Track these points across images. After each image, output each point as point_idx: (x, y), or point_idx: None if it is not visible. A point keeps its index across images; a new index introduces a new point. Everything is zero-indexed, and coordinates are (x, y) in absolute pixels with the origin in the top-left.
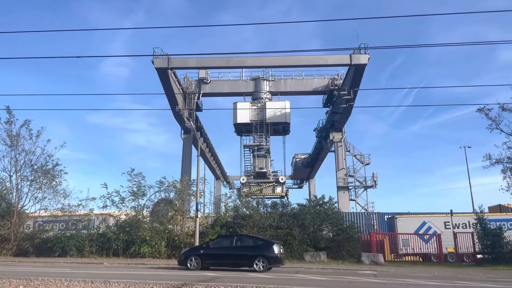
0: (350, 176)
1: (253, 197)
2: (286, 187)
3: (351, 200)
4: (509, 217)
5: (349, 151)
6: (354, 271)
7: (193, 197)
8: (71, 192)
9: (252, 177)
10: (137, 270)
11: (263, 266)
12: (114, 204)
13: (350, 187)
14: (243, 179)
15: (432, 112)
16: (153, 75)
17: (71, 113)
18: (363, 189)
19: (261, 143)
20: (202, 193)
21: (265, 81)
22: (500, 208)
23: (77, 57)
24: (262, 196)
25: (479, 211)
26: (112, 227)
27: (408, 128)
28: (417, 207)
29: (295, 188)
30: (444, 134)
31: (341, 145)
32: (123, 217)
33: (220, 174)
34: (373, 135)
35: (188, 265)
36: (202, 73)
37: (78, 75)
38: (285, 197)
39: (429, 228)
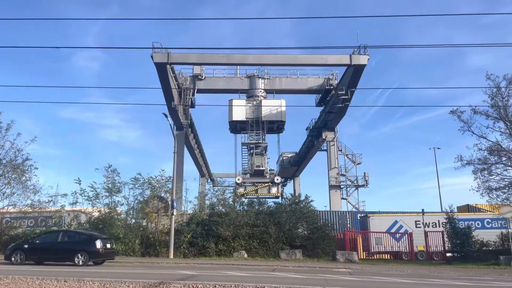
0: (342, 175)
1: (248, 197)
2: (281, 187)
3: (342, 198)
4: (477, 217)
5: (341, 150)
6: (329, 269)
7: (169, 194)
8: (41, 188)
9: (248, 175)
10: (111, 269)
11: (83, 261)
12: (89, 200)
13: (342, 186)
14: (239, 179)
15: (403, 114)
16: (126, 69)
17: (40, 107)
18: (355, 188)
19: (259, 141)
20: (178, 191)
21: (260, 79)
22: (468, 208)
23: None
24: (257, 197)
25: (449, 210)
26: (84, 224)
27: (380, 129)
28: (388, 206)
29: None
30: (414, 135)
31: (334, 144)
32: (95, 214)
33: (205, 172)
34: (347, 135)
35: (13, 259)
36: (197, 69)
37: (50, 68)
38: (280, 198)
39: (401, 227)
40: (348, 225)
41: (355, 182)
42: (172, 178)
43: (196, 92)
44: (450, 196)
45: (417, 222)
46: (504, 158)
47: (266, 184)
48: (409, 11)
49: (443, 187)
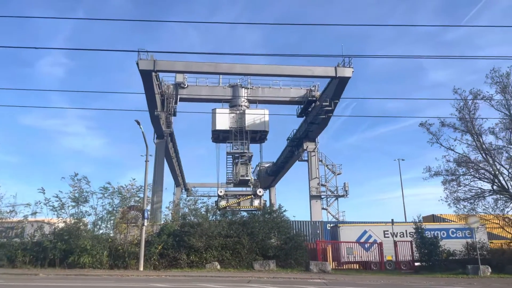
0: (322, 185)
1: (230, 210)
2: (264, 200)
3: (323, 209)
4: (442, 227)
5: (321, 161)
6: (304, 279)
7: (140, 203)
8: (1, 197)
9: (232, 184)
10: (76, 282)
11: None
12: (54, 210)
13: (322, 196)
14: (221, 192)
15: (367, 126)
16: (93, 76)
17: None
18: (335, 198)
19: (244, 151)
20: (158, 200)
21: (243, 88)
22: (433, 218)
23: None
24: (239, 209)
25: (417, 221)
26: (49, 235)
27: (345, 140)
28: (355, 216)
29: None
30: (378, 146)
31: (315, 155)
32: (61, 224)
33: (181, 181)
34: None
35: None
36: (180, 77)
37: (13, 72)
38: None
39: (370, 236)
40: (319, 235)
41: (335, 192)
42: (143, 188)
43: (179, 101)
44: (414, 206)
45: (386, 232)
46: (471, 170)
47: (248, 197)
48: (372, 29)
49: (406, 197)
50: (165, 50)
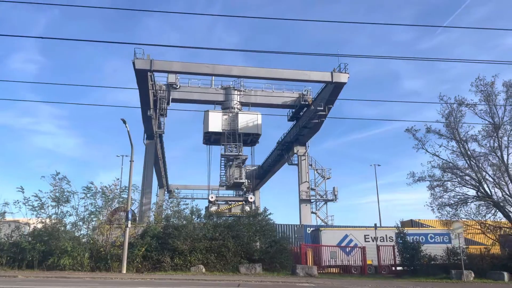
0: (311, 189)
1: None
2: (254, 206)
3: (312, 213)
4: (422, 232)
5: (311, 165)
6: (292, 283)
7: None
8: None
9: (224, 187)
10: (61, 285)
11: None
12: (33, 210)
13: (312, 200)
14: (212, 197)
15: (342, 132)
16: (66, 74)
17: None
18: (324, 202)
19: (239, 153)
20: (133, 201)
21: (236, 91)
22: (412, 223)
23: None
24: (230, 215)
25: (399, 226)
26: (27, 236)
27: (320, 145)
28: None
29: (225, 196)
30: (352, 152)
31: (305, 159)
32: (38, 225)
33: (164, 183)
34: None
35: None
36: (172, 78)
37: None
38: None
39: (351, 240)
40: (303, 239)
41: (324, 197)
42: (127, 188)
43: (171, 101)
44: (388, 211)
45: (366, 236)
46: (456, 176)
47: (240, 203)
48: (348, 36)
49: (381, 203)
50: (160, 43)
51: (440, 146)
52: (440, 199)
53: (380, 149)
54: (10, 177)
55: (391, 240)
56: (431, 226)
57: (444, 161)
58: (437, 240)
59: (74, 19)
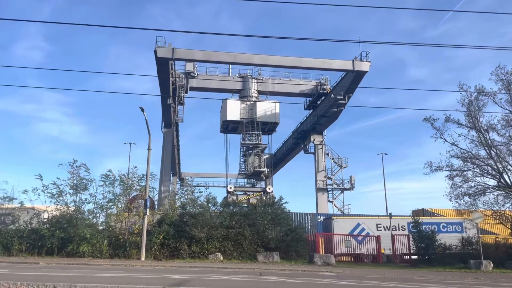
0: (328, 178)
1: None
2: (273, 195)
3: (329, 201)
4: (434, 221)
5: (327, 154)
6: (312, 272)
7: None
8: None
9: (244, 175)
10: (84, 272)
11: None
12: (52, 197)
13: (328, 189)
14: (230, 188)
15: (346, 121)
16: (71, 61)
17: None
18: (340, 191)
19: (259, 142)
20: (151, 189)
21: (253, 79)
22: (423, 212)
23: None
24: (246, 205)
25: (410, 215)
26: (46, 223)
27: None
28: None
29: (242, 186)
30: (357, 141)
31: (321, 148)
32: (56, 212)
33: (177, 171)
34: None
35: None
36: (190, 66)
37: None
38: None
39: (363, 229)
40: (306, 227)
41: (341, 186)
42: (145, 176)
43: (189, 90)
44: (391, 200)
45: (378, 225)
46: (475, 166)
47: (258, 193)
48: (355, 24)
49: (382, 191)
50: (182, 30)
51: (459, 136)
52: (459, 189)
53: (383, 138)
54: (15, 164)
55: (403, 229)
56: (443, 215)
57: (463, 150)
58: (450, 229)
59: (77, 5)
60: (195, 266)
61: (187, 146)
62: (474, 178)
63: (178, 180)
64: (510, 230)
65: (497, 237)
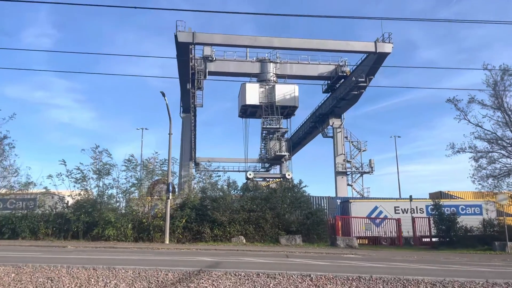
0: (347, 161)
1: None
2: (292, 180)
3: (348, 185)
4: (452, 203)
5: (346, 137)
6: (337, 254)
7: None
8: (18, 168)
9: (265, 160)
10: (115, 255)
11: None
12: (77, 182)
13: (348, 173)
14: (250, 174)
15: (359, 104)
16: (81, 48)
17: None
18: (359, 175)
19: (280, 126)
20: (185, 175)
21: (271, 63)
22: (441, 195)
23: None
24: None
25: (428, 198)
26: (71, 207)
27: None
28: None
29: (262, 171)
30: (365, 124)
31: (340, 131)
32: (78, 197)
33: (193, 156)
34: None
35: None
36: (207, 51)
37: None
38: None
39: (381, 212)
40: (325, 211)
41: (360, 169)
42: (167, 161)
43: (208, 74)
44: (402, 183)
45: (396, 208)
46: (500, 147)
47: (277, 180)
48: (364, 6)
49: (390, 175)
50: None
51: (483, 117)
52: (484, 171)
53: (395, 120)
54: (29, 150)
55: (421, 212)
56: (461, 198)
57: (487, 132)
58: (468, 211)
59: None
60: (220, 249)
61: (201, 132)
62: (500, 160)
63: (193, 165)
64: None
65: None
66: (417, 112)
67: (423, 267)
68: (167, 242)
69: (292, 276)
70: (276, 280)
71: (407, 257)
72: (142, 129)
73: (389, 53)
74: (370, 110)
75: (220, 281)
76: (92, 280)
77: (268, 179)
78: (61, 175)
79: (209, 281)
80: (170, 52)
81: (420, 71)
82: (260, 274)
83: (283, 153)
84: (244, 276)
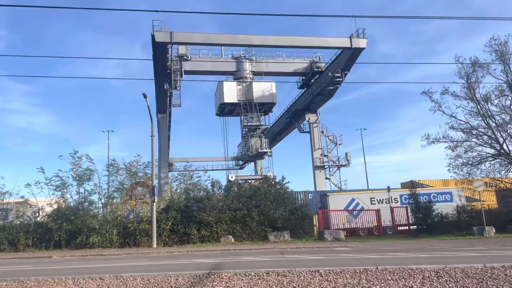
0: (324, 155)
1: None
2: (274, 177)
3: (326, 178)
4: (426, 192)
5: (322, 132)
6: (329, 248)
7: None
8: None
9: (246, 157)
10: (107, 262)
11: None
12: (57, 189)
13: (325, 166)
14: (232, 177)
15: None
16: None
17: None
18: (336, 168)
19: (260, 123)
20: (164, 177)
21: (247, 60)
22: (412, 184)
23: None
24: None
25: (399, 188)
26: (51, 216)
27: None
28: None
29: (236, 169)
30: (331, 118)
31: (317, 126)
32: (60, 205)
33: (167, 157)
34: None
35: None
36: (182, 50)
37: None
38: None
39: (357, 204)
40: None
41: (337, 162)
42: (150, 163)
43: (184, 74)
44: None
45: (372, 199)
46: (475, 137)
47: (260, 181)
48: (322, 0)
49: (358, 166)
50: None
51: (457, 108)
52: (459, 159)
53: (357, 113)
54: None
55: (395, 202)
56: (431, 186)
57: (461, 122)
58: (440, 199)
59: None
60: (211, 250)
61: (175, 131)
62: (474, 148)
63: (167, 166)
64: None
65: (483, 204)
66: (379, 105)
67: (417, 256)
68: (154, 246)
69: (301, 273)
70: (288, 277)
71: (395, 247)
72: (108, 131)
73: (364, 48)
74: (337, 103)
75: (233, 282)
76: None
77: (250, 181)
78: (39, 183)
79: (222, 282)
80: (131, 53)
81: (380, 65)
82: (270, 273)
83: (264, 150)
84: (255, 276)
